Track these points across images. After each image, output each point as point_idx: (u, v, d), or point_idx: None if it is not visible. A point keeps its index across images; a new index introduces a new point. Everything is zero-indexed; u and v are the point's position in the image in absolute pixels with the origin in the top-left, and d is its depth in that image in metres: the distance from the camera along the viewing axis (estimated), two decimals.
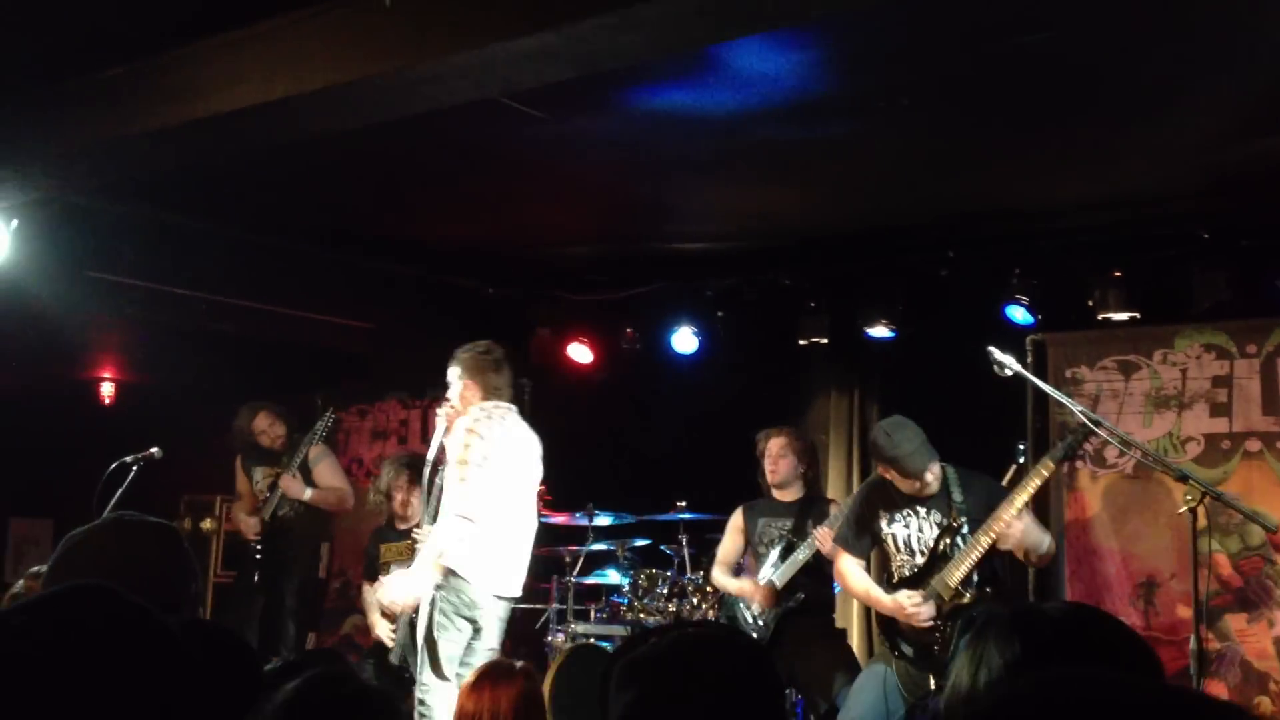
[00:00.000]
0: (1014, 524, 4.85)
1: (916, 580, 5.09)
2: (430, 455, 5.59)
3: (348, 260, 8.09)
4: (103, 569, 2.15)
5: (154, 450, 5.99)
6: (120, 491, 5.73)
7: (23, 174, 5.53)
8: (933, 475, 5.10)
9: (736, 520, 6.45)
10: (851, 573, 5.39)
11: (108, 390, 10.54)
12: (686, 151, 6.06)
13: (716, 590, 6.87)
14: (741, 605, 6.24)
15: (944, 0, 4.38)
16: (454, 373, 5.59)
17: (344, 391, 8.61)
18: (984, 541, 4.90)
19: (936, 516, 5.13)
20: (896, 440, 5.08)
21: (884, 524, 5.24)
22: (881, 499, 5.29)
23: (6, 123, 5.30)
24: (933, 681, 4.93)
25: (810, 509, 6.20)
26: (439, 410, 5.63)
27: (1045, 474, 5.00)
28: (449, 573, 5.23)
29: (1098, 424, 4.83)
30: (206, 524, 9.30)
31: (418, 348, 8.87)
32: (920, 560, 5.12)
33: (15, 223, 6.17)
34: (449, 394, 5.58)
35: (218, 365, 8.70)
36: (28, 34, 4.82)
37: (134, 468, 5.83)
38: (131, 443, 6.02)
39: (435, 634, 5.20)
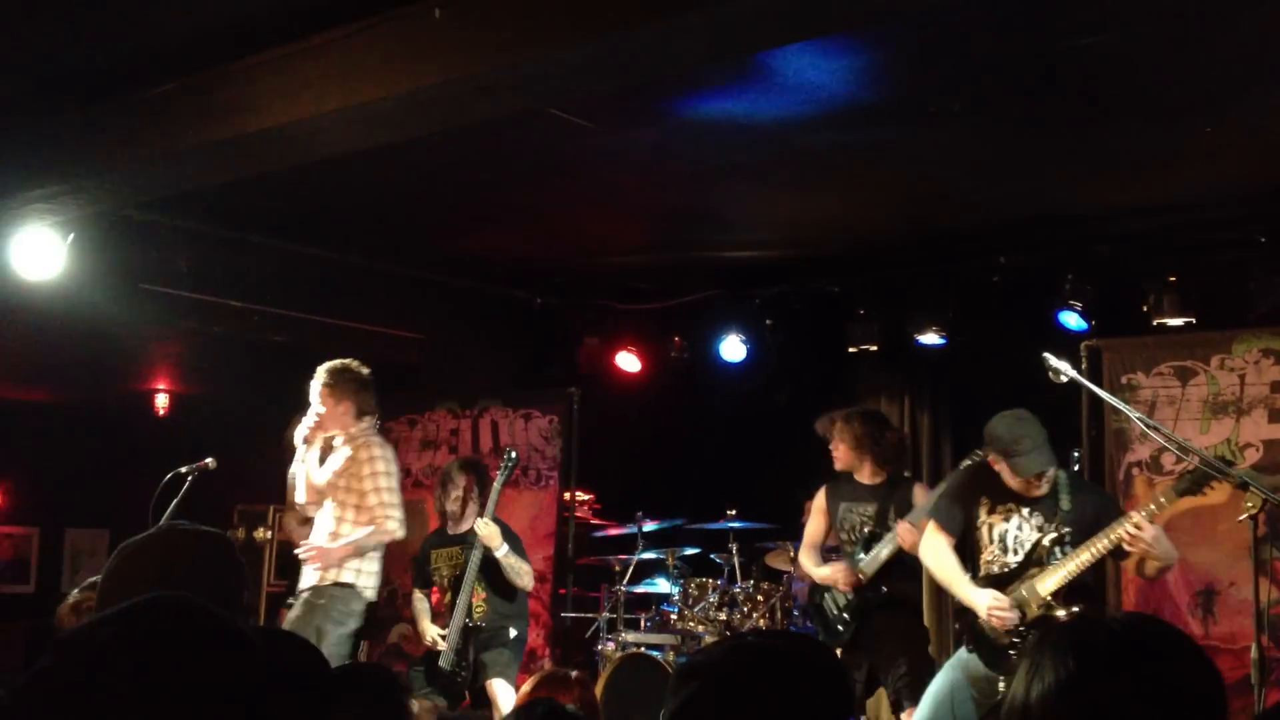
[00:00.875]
0: (1146, 527, 4.54)
1: (1004, 580, 4.85)
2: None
3: (398, 272, 8.15)
4: (157, 578, 2.16)
5: (208, 460, 6.02)
6: (175, 501, 5.77)
7: (78, 189, 5.60)
8: (1047, 481, 4.83)
9: (820, 501, 6.24)
10: (937, 550, 5.03)
11: (162, 402, 10.65)
12: (735, 160, 6.05)
13: (767, 599, 6.83)
14: (829, 595, 6.06)
15: (996, 4, 4.34)
16: (325, 391, 5.77)
17: (394, 401, 8.65)
18: (1085, 557, 4.65)
19: (1039, 520, 4.86)
20: (1017, 434, 4.78)
21: (983, 512, 4.96)
22: (987, 485, 4.97)
23: (62, 138, 5.38)
24: (1002, 685, 4.81)
25: (892, 494, 5.96)
26: (301, 426, 5.81)
27: (1165, 504, 4.63)
28: (340, 585, 5.66)
29: (1155, 430, 4.75)
30: (260, 533, 9.36)
31: (467, 358, 8.93)
32: (1013, 560, 4.87)
33: (71, 237, 6.25)
34: (315, 411, 5.77)
35: (270, 376, 8.76)
36: (83, 51, 4.89)
37: (189, 478, 5.85)
38: (186, 453, 6.05)
39: (327, 645, 5.46)
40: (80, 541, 11.58)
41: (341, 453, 5.82)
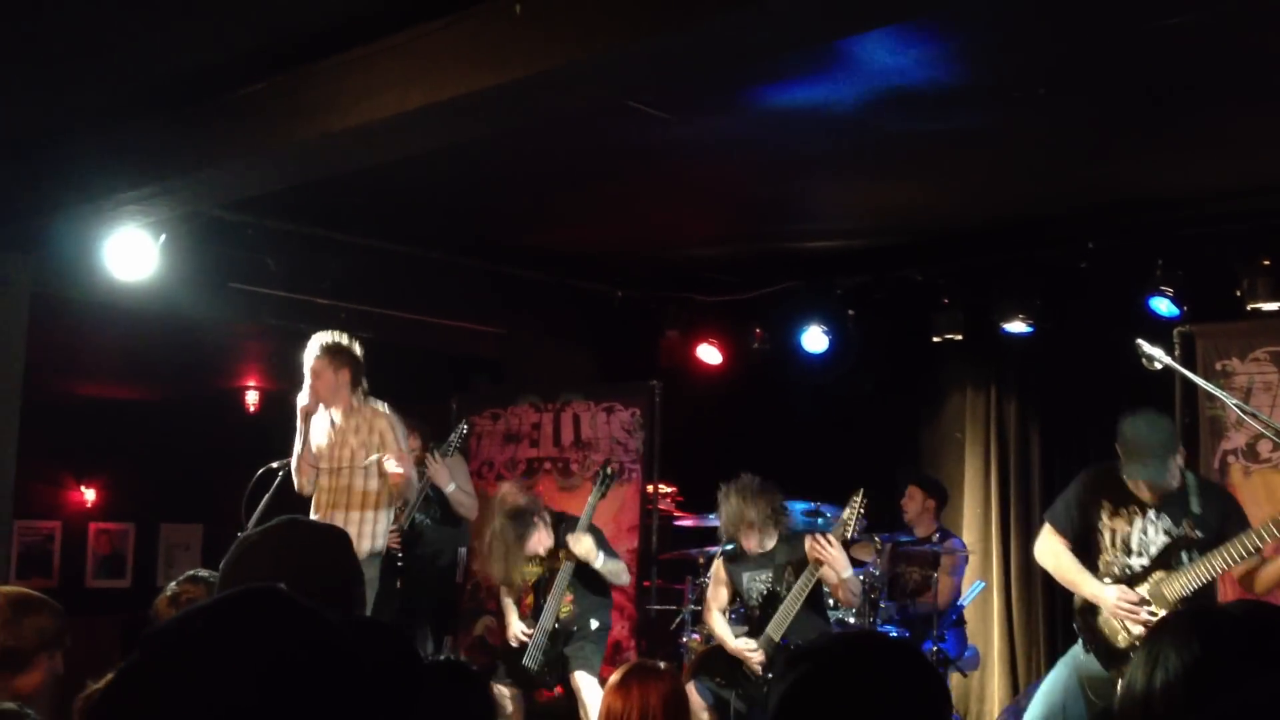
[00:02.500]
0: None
1: (1128, 583, 4.73)
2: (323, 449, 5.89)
3: (481, 267, 8.22)
4: (276, 571, 2.18)
5: None
6: (267, 496, 5.86)
7: (169, 190, 5.71)
8: (1149, 489, 4.68)
9: (719, 572, 6.15)
10: (1055, 552, 4.94)
11: (252, 398, 10.84)
12: (815, 148, 6.01)
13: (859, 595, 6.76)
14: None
15: None
16: (325, 361, 5.83)
17: (477, 396, 8.73)
18: (1218, 565, 4.50)
19: (1167, 523, 4.70)
20: (1137, 438, 4.65)
21: (1105, 515, 4.82)
22: (1110, 488, 4.84)
23: (153, 140, 5.49)
24: (1120, 684, 4.66)
25: (789, 554, 5.87)
26: (301, 398, 5.84)
27: None
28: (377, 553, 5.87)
29: (1253, 417, 4.64)
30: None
31: (549, 352, 8.98)
32: (1138, 562, 4.72)
33: (163, 237, 6.38)
34: (312, 382, 5.81)
35: None
36: (173, 54, 4.99)
37: (280, 473, 5.97)
38: (276, 449, 6.17)
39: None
40: (175, 536, 11.83)
41: (353, 424, 5.90)
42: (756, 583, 5.99)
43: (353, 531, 5.75)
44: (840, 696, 1.61)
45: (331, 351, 5.87)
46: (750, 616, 6.09)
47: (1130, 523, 4.76)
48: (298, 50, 4.80)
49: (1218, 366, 6.32)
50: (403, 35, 4.51)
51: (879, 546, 7.37)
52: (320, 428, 5.96)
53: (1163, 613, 4.56)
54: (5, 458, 6.19)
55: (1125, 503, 4.77)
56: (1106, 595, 4.69)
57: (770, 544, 5.95)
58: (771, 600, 5.88)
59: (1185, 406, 6.27)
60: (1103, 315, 7.07)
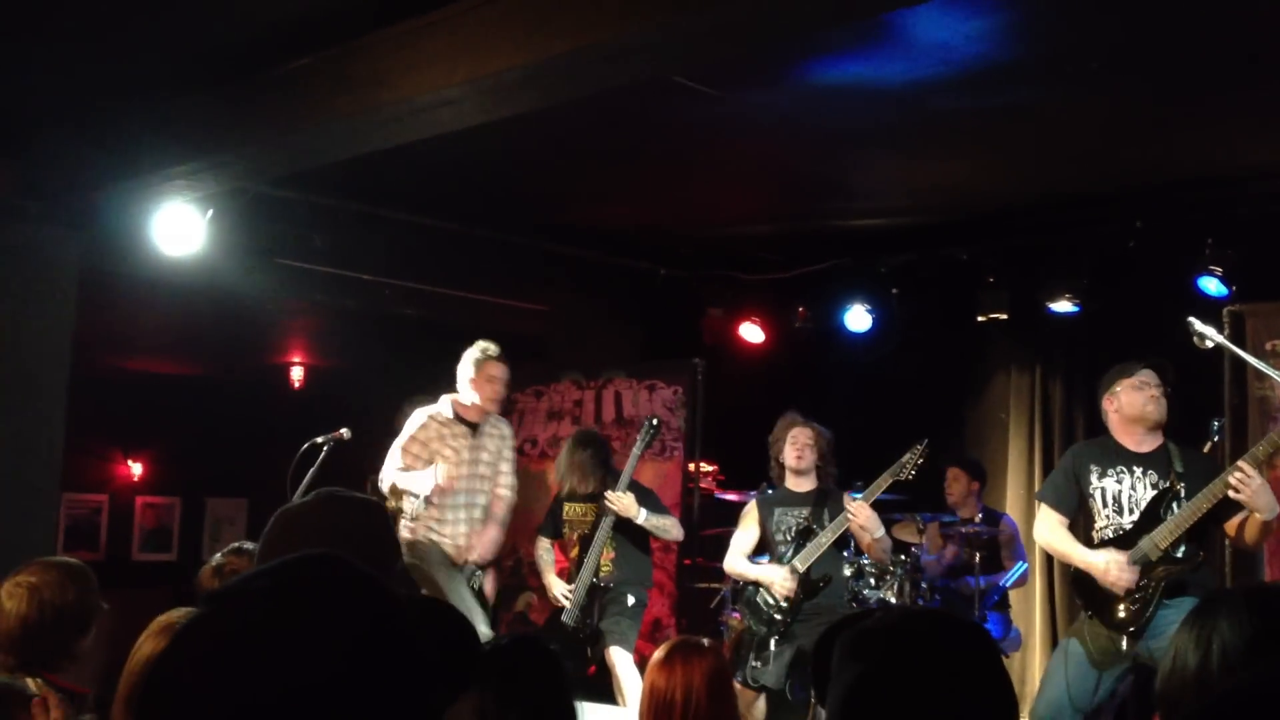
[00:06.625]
0: (1251, 473, 4.51)
1: (1125, 541, 4.82)
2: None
3: (524, 244, 8.23)
4: (314, 542, 2.20)
5: (343, 431, 6.14)
6: (311, 471, 5.89)
7: (216, 165, 5.76)
8: (1160, 391, 4.90)
9: (750, 512, 6.37)
10: (1050, 527, 5.09)
11: (297, 374, 10.91)
12: (861, 125, 5.97)
13: (895, 572, 6.75)
14: (762, 590, 6.12)
15: None
16: (494, 373, 6.31)
17: (521, 373, 8.74)
18: (1203, 505, 4.63)
19: (1153, 478, 4.85)
20: (1124, 363, 5.03)
21: (1094, 478, 4.95)
22: (1094, 454, 5.02)
23: (201, 115, 5.53)
24: (1124, 643, 4.74)
25: (825, 499, 6.16)
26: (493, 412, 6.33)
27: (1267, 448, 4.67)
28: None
29: None
30: (391, 503, 9.54)
31: (592, 330, 8.98)
32: (1129, 520, 4.84)
33: (210, 213, 6.42)
34: (506, 388, 6.36)
35: (401, 348, 8.93)
36: (220, 28, 5.01)
37: (324, 448, 5.98)
38: (321, 424, 6.19)
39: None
40: (220, 510, 11.96)
41: (485, 432, 6.35)
42: (789, 517, 6.17)
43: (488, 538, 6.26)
44: (915, 678, 1.57)
45: (501, 369, 6.31)
46: (774, 556, 6.23)
47: (1119, 481, 4.90)
48: (344, 25, 4.82)
49: (1268, 346, 6.24)
50: (449, 9, 4.52)
51: (921, 526, 7.34)
52: (454, 446, 6.29)
53: (1155, 561, 4.71)
54: (54, 432, 6.27)
55: (1112, 463, 4.92)
56: (1096, 561, 4.82)
57: (808, 485, 6.21)
58: (803, 535, 6.07)
59: (1234, 387, 6.20)
60: (1150, 295, 7.00)
